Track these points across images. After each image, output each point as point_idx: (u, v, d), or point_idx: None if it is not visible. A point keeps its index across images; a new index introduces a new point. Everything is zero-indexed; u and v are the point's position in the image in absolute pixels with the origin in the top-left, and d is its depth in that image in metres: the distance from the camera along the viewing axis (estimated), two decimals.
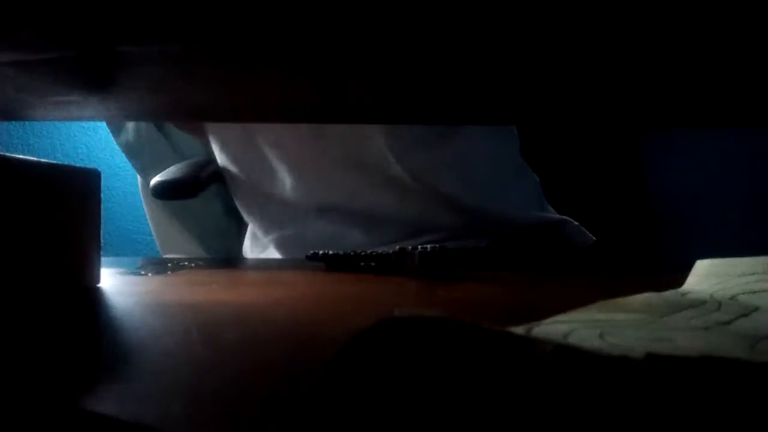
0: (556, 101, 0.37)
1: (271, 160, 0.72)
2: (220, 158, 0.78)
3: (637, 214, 0.87)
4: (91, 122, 1.38)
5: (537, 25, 0.24)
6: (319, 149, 0.68)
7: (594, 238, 0.71)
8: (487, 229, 0.67)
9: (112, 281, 0.42)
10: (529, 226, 0.68)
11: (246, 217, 0.80)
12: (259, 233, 0.78)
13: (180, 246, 0.93)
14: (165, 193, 0.77)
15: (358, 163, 0.67)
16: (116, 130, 0.92)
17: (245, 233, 0.84)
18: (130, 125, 0.89)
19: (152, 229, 0.97)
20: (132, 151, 0.91)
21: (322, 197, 0.70)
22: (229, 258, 0.87)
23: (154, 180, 0.77)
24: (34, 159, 0.36)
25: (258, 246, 0.79)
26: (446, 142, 0.66)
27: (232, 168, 0.76)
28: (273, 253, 0.76)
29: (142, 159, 0.91)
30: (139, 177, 0.95)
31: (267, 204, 0.75)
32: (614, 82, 0.32)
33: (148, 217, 0.96)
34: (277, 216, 0.74)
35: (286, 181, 0.71)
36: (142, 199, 0.96)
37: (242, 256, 0.84)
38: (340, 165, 0.68)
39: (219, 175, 0.80)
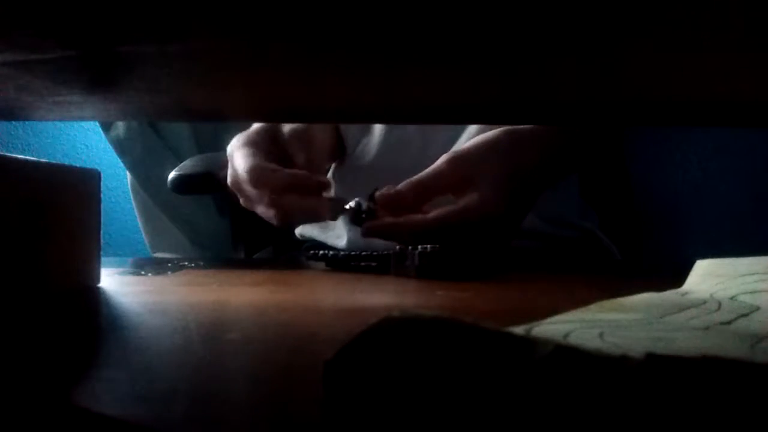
0: (551, 101, 0.37)
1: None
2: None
3: (620, 212, 0.87)
4: (91, 122, 1.37)
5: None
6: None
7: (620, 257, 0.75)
8: (542, 233, 0.70)
9: (112, 281, 0.42)
10: (576, 236, 0.72)
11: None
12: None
13: (170, 245, 0.92)
14: (185, 186, 0.75)
15: None
16: (107, 125, 0.90)
17: (237, 234, 0.83)
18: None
19: (142, 228, 0.95)
20: (123, 147, 0.90)
21: None
22: (229, 258, 0.86)
23: (173, 174, 0.74)
24: (34, 159, 0.36)
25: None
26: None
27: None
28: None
29: (133, 155, 0.89)
30: (128, 174, 0.94)
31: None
32: (603, 81, 0.32)
33: (137, 215, 0.95)
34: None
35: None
36: (132, 197, 0.94)
37: (237, 254, 0.83)
38: None
39: None
